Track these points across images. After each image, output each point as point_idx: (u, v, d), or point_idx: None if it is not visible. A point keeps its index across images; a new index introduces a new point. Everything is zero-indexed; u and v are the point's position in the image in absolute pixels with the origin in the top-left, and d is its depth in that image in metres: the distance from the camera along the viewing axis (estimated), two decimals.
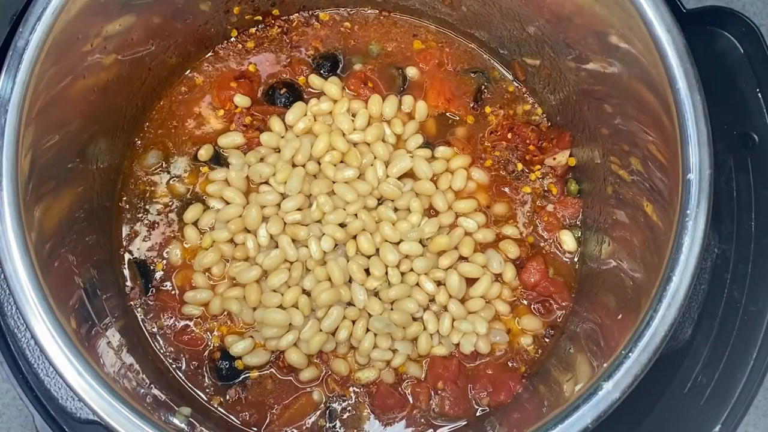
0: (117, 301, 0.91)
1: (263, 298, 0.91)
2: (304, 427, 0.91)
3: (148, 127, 0.99)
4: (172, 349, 0.93)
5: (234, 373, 0.92)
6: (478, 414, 0.91)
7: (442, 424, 0.91)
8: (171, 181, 0.97)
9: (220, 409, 0.91)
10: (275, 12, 1.02)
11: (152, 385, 0.84)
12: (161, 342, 0.93)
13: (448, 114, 1.00)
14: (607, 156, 0.90)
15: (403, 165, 0.95)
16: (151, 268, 0.95)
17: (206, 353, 0.93)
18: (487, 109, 1.00)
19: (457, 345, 0.92)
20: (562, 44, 0.90)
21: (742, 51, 0.84)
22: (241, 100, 0.99)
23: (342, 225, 0.92)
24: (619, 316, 0.80)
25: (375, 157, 0.95)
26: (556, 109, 0.98)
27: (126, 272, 0.95)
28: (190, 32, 0.97)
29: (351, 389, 0.92)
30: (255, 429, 0.90)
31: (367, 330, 0.91)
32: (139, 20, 0.89)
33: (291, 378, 0.91)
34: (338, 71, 1.01)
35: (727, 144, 0.83)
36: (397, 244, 0.92)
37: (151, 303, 0.94)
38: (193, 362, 0.93)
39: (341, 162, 0.95)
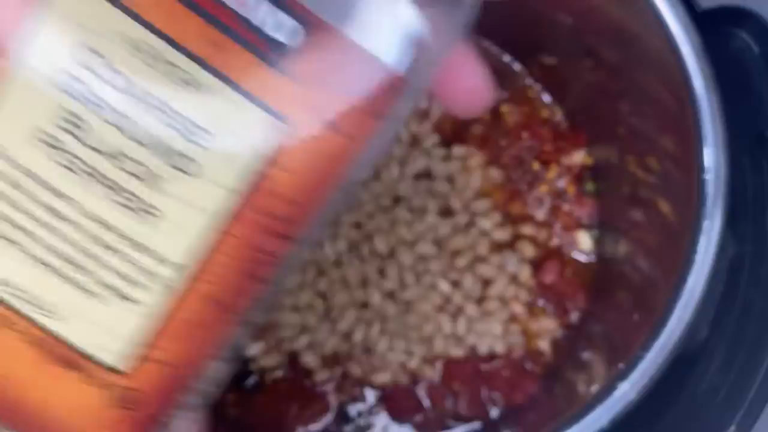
0: None
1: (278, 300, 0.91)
2: (319, 430, 0.91)
3: None
4: None
5: (248, 375, 0.92)
6: (492, 415, 0.91)
7: (457, 425, 0.91)
8: None
9: (234, 410, 0.91)
10: None
11: None
12: None
13: None
14: (623, 155, 0.89)
15: (418, 165, 0.95)
16: None
17: None
18: (504, 108, 1.00)
19: (473, 346, 0.92)
20: (578, 43, 0.90)
21: (757, 51, 0.83)
22: None
23: (357, 225, 0.93)
24: (635, 317, 0.80)
25: (390, 157, 0.95)
26: (573, 109, 0.98)
27: None
28: None
29: (366, 391, 0.92)
30: (269, 431, 0.91)
31: (382, 332, 0.91)
32: None
33: (305, 380, 0.91)
34: None
35: (743, 144, 0.83)
36: (412, 244, 0.92)
37: None
38: None
39: None
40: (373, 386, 0.92)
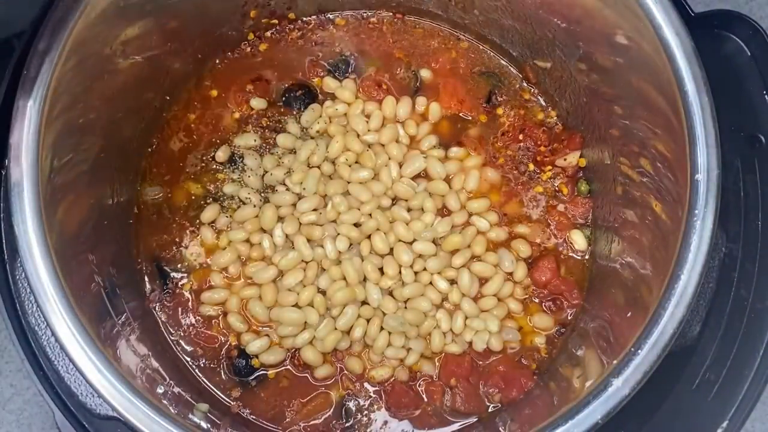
0: (136, 300, 0.92)
1: (279, 298, 0.92)
2: (319, 424, 0.92)
3: (166, 129, 1.00)
4: (189, 347, 0.94)
5: (251, 370, 0.92)
6: (489, 410, 0.91)
7: (455, 420, 0.92)
8: (188, 182, 0.98)
9: (237, 405, 0.92)
10: (291, 16, 1.03)
11: (171, 382, 0.85)
12: (179, 341, 0.94)
13: (461, 115, 1.01)
14: (616, 157, 0.90)
15: (416, 165, 0.96)
16: (169, 268, 0.96)
17: (223, 351, 0.94)
18: (499, 111, 1.01)
19: (470, 343, 0.93)
20: (572, 47, 0.91)
21: (749, 53, 0.85)
22: (258, 103, 1.00)
23: (356, 225, 0.94)
24: (629, 314, 0.81)
25: (389, 158, 0.97)
26: (567, 111, 0.99)
27: (145, 272, 0.96)
28: (208, 35, 0.98)
29: (366, 387, 0.93)
30: (271, 425, 0.91)
31: (381, 328, 0.92)
32: (158, 24, 0.90)
33: (307, 375, 0.92)
34: (353, 73, 1.02)
35: (735, 145, 0.84)
36: (411, 243, 0.93)
37: (169, 302, 0.95)
38: (211, 360, 0.94)
39: (356, 163, 0.96)
40: (372, 382, 0.92)
